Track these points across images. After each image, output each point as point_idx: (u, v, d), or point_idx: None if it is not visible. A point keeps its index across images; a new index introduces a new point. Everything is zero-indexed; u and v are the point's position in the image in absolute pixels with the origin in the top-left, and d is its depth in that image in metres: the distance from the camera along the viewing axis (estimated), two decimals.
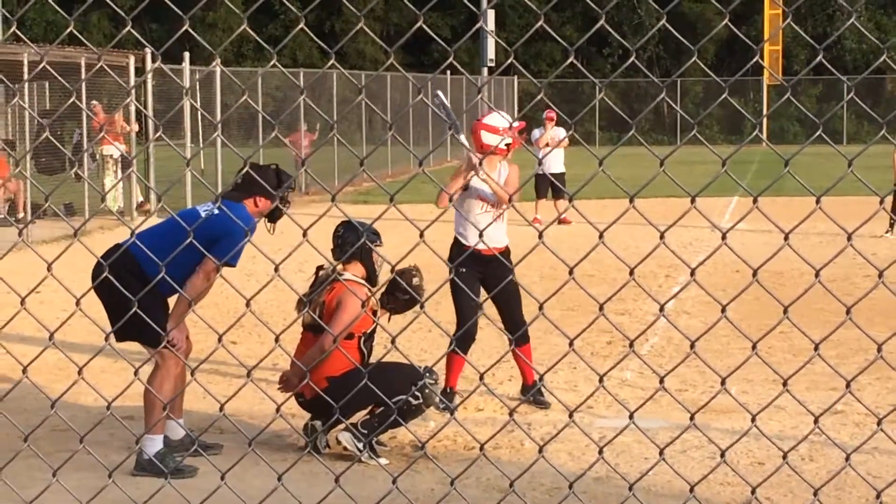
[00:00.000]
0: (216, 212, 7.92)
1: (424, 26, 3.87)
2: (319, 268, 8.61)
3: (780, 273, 16.74)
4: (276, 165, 8.41)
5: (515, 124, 9.97)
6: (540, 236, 3.70)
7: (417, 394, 8.16)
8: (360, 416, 8.34)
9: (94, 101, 26.20)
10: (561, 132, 24.15)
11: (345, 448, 8.20)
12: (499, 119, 9.96)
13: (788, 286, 15.82)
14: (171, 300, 8.12)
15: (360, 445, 8.16)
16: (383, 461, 8.24)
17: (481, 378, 4.03)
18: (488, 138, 9.72)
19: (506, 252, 9.78)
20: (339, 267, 8.56)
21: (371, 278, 8.57)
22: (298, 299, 8.42)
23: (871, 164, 23.77)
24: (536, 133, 24.63)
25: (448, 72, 43.61)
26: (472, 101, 45.29)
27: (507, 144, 9.75)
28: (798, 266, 16.65)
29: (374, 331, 8.49)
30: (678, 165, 22.09)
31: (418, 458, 8.29)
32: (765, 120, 62.56)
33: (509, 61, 4.43)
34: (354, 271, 8.53)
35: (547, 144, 23.61)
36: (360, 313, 8.13)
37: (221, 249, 7.47)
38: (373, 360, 8.55)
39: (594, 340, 12.34)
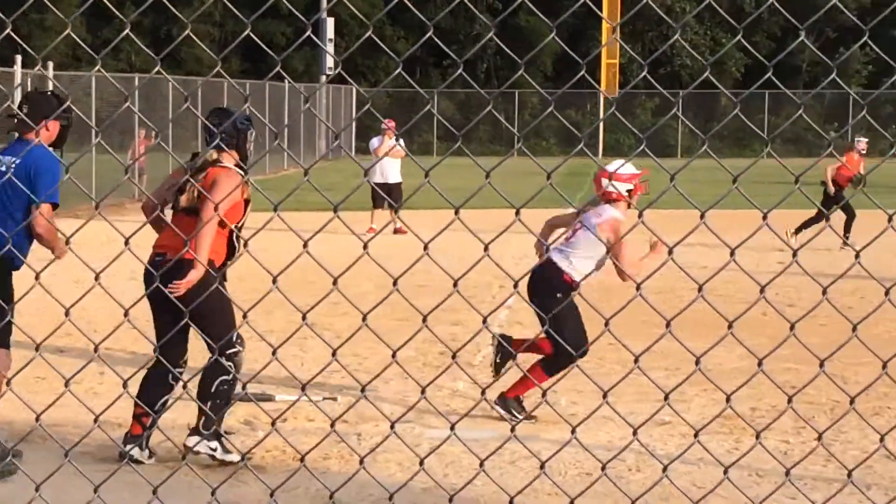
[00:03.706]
0: (19, 159, 7.87)
1: (252, 34, 3.85)
2: (195, 154, 8.59)
3: (609, 288, 16.95)
4: (52, 91, 8.50)
5: (639, 171, 10.03)
6: (364, 247, 3.69)
7: (231, 364, 8.19)
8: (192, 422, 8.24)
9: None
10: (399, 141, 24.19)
11: (197, 452, 8.20)
12: (626, 167, 9.91)
13: (615, 298, 16.04)
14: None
15: (213, 445, 8.25)
16: (234, 457, 8.29)
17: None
18: (617, 186, 9.78)
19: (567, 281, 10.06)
20: (214, 154, 8.48)
21: (244, 160, 8.58)
22: (173, 183, 8.36)
23: (697, 178, 24.28)
24: (375, 142, 24.62)
25: (286, 80, 43.38)
26: (305, 109, 45.14)
27: (629, 191, 9.83)
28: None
29: (243, 225, 8.42)
30: (515, 177, 22.28)
31: (239, 468, 8.17)
32: (601, 133, 63.85)
33: (337, 70, 4.43)
34: (229, 159, 8.48)
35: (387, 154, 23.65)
36: (235, 190, 8.08)
37: (44, 188, 7.41)
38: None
39: (427, 350, 12.37)
